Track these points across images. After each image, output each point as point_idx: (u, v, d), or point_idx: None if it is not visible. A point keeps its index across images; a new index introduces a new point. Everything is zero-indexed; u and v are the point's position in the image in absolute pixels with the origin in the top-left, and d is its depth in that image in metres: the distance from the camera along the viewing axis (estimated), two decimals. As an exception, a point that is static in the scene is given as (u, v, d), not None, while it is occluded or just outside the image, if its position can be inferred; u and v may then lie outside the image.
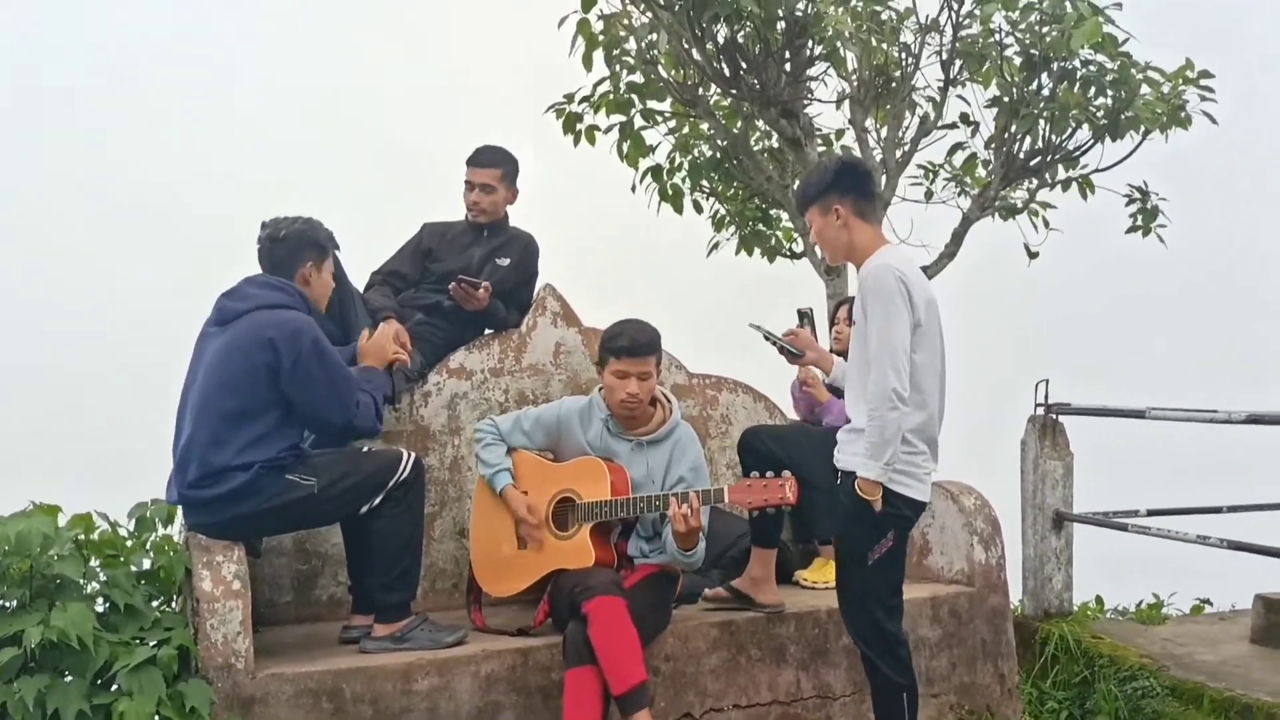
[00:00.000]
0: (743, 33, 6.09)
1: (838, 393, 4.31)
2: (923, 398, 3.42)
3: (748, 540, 4.26)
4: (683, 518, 3.67)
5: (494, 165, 4.68)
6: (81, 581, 3.47)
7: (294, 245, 3.79)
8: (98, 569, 3.57)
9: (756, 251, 7.73)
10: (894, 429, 3.31)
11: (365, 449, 3.95)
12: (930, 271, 6.50)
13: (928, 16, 6.45)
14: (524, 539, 3.98)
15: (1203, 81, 6.25)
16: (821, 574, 4.60)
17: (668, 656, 3.95)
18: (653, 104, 6.74)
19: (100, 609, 3.50)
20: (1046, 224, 6.98)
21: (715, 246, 7.79)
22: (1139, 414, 4.82)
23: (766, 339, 4.17)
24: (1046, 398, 5.22)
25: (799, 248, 7.46)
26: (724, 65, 6.25)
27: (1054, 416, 5.22)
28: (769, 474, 3.61)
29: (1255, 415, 4.34)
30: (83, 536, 3.58)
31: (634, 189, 7.17)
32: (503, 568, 4.03)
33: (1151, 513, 5.18)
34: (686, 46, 6.16)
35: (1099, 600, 5.75)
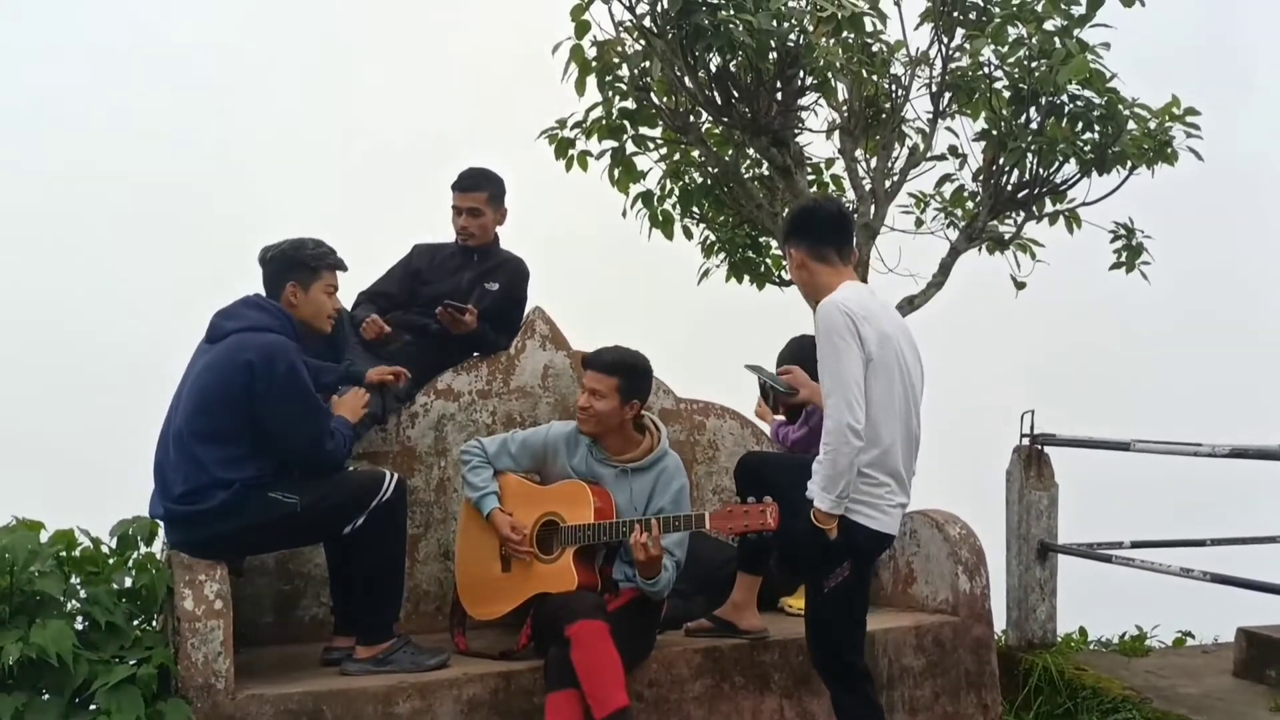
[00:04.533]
0: (735, 62, 6.13)
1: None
2: (877, 432, 3.40)
3: (734, 565, 4.25)
4: (642, 546, 3.65)
5: (479, 189, 4.70)
6: (62, 598, 3.45)
7: (277, 267, 3.83)
8: (78, 586, 3.56)
9: (746, 278, 7.76)
10: (846, 462, 3.31)
11: (350, 468, 3.95)
12: (918, 301, 6.53)
13: (918, 49, 6.52)
14: (509, 561, 3.97)
15: (1189, 118, 6.33)
16: (806, 601, 4.59)
17: (651, 682, 3.94)
18: (644, 130, 6.78)
19: (80, 626, 3.49)
20: (1033, 256, 7.03)
21: (705, 273, 7.81)
22: (1124, 446, 4.84)
23: (761, 380, 4.21)
24: (1032, 428, 5.24)
25: (788, 275, 7.50)
26: (716, 93, 6.29)
27: (1039, 447, 5.24)
28: (750, 499, 3.61)
29: (1239, 449, 4.36)
30: (64, 553, 3.58)
31: (625, 214, 7.20)
32: (487, 591, 4.02)
33: (1135, 544, 5.19)
34: (679, 74, 6.20)
35: (1083, 631, 5.75)
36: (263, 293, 3.85)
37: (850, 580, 3.47)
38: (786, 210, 3.98)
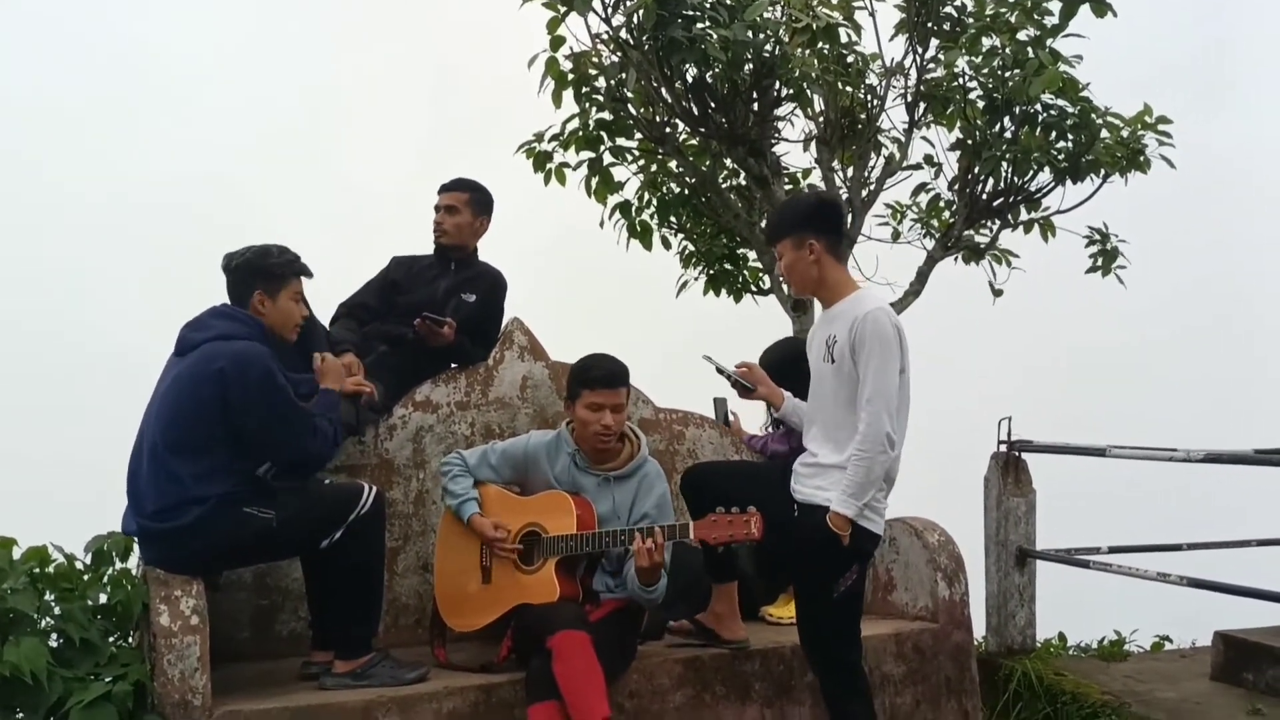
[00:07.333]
0: (711, 73, 6.16)
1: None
2: (897, 440, 3.52)
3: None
4: (646, 552, 3.66)
5: (460, 189, 4.75)
6: (36, 615, 3.41)
7: (243, 275, 3.77)
8: (52, 603, 3.52)
9: (723, 290, 7.78)
10: (880, 471, 3.45)
11: (326, 481, 3.92)
12: (896, 309, 6.57)
13: (893, 60, 6.58)
14: (489, 573, 3.96)
15: (1160, 126, 6.40)
16: (787, 609, 4.59)
17: (632, 693, 3.92)
18: (621, 141, 6.79)
19: (55, 644, 3.44)
20: (1009, 265, 7.09)
21: (684, 285, 7.82)
22: (1100, 451, 4.87)
23: (719, 372, 4.20)
24: (1009, 435, 5.26)
25: (765, 285, 7.52)
26: (692, 104, 6.32)
27: (1016, 453, 5.27)
28: (734, 509, 3.61)
29: (1213, 454, 4.40)
30: (38, 569, 3.53)
31: (602, 225, 7.22)
32: (467, 603, 4.00)
33: (1113, 550, 5.22)
34: (655, 85, 6.22)
35: (1061, 637, 5.77)
36: (229, 301, 3.81)
37: (856, 583, 3.56)
38: (787, 202, 3.94)
